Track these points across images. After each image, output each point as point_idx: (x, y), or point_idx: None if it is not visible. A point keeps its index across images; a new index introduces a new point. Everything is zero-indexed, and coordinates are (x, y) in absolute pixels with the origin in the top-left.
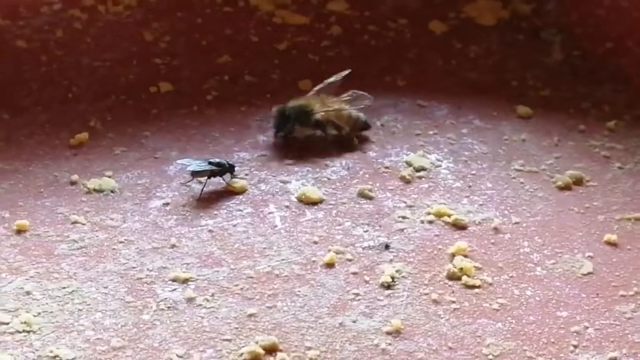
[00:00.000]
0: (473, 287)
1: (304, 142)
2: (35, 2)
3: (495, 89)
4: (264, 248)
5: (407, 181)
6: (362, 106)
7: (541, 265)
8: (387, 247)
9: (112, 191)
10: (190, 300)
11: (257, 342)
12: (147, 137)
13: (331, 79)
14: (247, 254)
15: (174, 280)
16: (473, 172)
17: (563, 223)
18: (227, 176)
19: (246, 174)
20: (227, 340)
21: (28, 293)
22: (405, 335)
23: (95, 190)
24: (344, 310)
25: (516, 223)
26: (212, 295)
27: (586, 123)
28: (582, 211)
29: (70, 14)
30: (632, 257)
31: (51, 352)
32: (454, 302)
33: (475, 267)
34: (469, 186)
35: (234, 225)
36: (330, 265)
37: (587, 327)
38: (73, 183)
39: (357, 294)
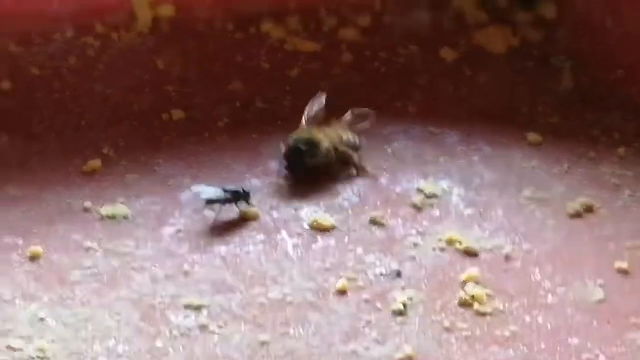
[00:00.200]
0: (485, 314)
1: (315, 169)
2: (49, 29)
3: (505, 116)
4: (277, 275)
5: (418, 208)
6: (366, 127)
7: (552, 292)
8: (399, 274)
9: (125, 218)
10: (203, 327)
11: None
12: (160, 164)
13: (315, 108)
14: (259, 281)
15: (187, 307)
16: (484, 199)
17: (574, 251)
18: (242, 203)
19: (259, 201)
20: None
21: (42, 320)
22: None
23: (108, 217)
24: (357, 338)
25: (527, 250)
26: (225, 322)
27: (596, 150)
28: (593, 239)
29: (83, 42)
30: None
31: None
32: (465, 329)
33: (487, 294)
34: (480, 213)
35: (247, 253)
36: (342, 292)
37: (599, 355)
38: (86, 210)
39: (370, 322)
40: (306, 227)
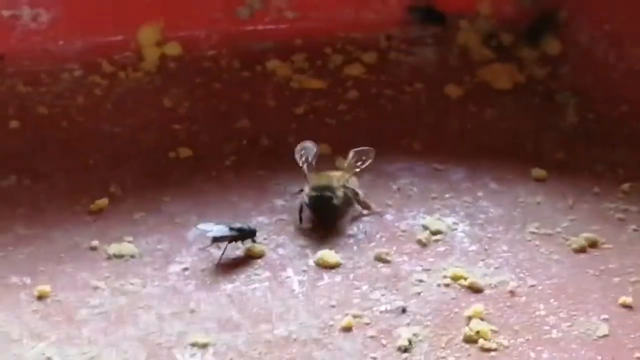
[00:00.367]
0: (489, 350)
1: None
2: (56, 68)
3: (510, 151)
4: (282, 312)
5: (423, 245)
6: (368, 161)
7: (557, 328)
8: (404, 310)
9: (132, 256)
10: None
11: None
12: (167, 203)
13: (311, 153)
14: (265, 318)
15: (193, 345)
16: (489, 235)
17: (578, 285)
18: (247, 241)
19: (264, 238)
20: None
21: (49, 359)
22: None
23: (115, 255)
24: None
25: (532, 286)
26: (231, 359)
27: (601, 186)
28: (597, 274)
29: (90, 80)
30: None
31: None
32: None
33: (491, 330)
34: (485, 249)
35: (253, 290)
36: (347, 329)
37: None
38: (93, 248)
39: (375, 358)
40: (312, 264)
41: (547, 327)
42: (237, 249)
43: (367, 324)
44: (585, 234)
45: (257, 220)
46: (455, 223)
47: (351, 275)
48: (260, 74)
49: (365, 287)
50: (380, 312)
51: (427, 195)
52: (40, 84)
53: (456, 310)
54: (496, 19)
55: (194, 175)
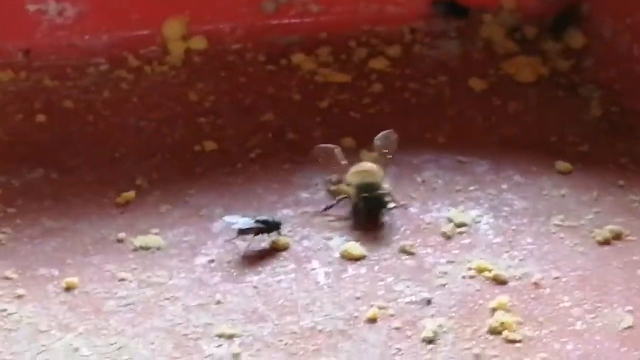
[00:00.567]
0: (514, 341)
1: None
2: (82, 63)
3: (534, 144)
4: (308, 304)
5: (448, 237)
6: (393, 148)
7: (581, 319)
8: (428, 302)
9: (158, 248)
10: (235, 355)
11: None
12: (192, 195)
13: (336, 154)
14: (291, 309)
15: (219, 336)
16: (513, 227)
17: (603, 277)
18: (273, 233)
19: (289, 231)
20: None
21: (77, 349)
22: None
23: (141, 247)
24: None
25: (556, 277)
26: (257, 351)
27: (625, 178)
28: (622, 265)
29: (116, 75)
30: None
31: None
32: (495, 356)
33: (516, 321)
34: (509, 241)
35: (278, 282)
36: (372, 320)
37: None
38: (120, 241)
39: (400, 349)
40: (337, 256)
41: (571, 319)
42: (263, 242)
43: (392, 315)
44: (610, 226)
45: (282, 213)
46: (479, 215)
47: (376, 267)
48: (285, 68)
49: (390, 279)
50: (405, 303)
51: (451, 188)
52: (66, 79)
53: (481, 301)
54: (520, 13)
55: (219, 168)
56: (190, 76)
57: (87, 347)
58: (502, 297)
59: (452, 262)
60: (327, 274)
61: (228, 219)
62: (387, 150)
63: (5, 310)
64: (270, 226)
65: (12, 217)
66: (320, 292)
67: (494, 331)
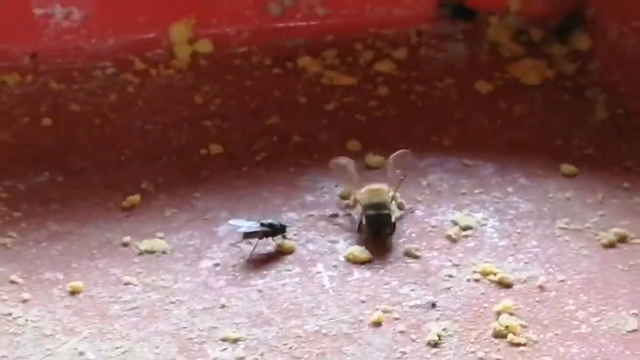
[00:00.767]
0: (519, 345)
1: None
2: (89, 66)
3: (540, 147)
4: (312, 307)
5: (453, 240)
6: (410, 169)
7: (586, 322)
8: (433, 305)
9: (163, 252)
10: (240, 359)
11: None
12: (198, 199)
13: (350, 169)
14: (295, 313)
15: (224, 340)
16: (518, 230)
17: (608, 280)
18: (278, 236)
19: (295, 234)
20: None
21: (82, 353)
22: None
23: (147, 251)
24: None
25: (561, 281)
26: (262, 354)
27: (630, 181)
28: (627, 268)
29: (123, 78)
30: None
31: None
32: None
33: (520, 325)
34: (515, 244)
35: (283, 285)
36: (377, 324)
37: None
38: (125, 244)
39: (404, 353)
40: (342, 259)
41: (576, 322)
42: (268, 245)
43: (397, 318)
44: (615, 229)
45: (287, 216)
46: (484, 218)
47: (381, 271)
48: (291, 71)
49: (395, 283)
50: (410, 307)
51: (456, 191)
52: (72, 82)
53: (486, 305)
54: (526, 15)
55: (225, 172)
56: (197, 79)
57: (92, 351)
58: (507, 301)
59: (457, 265)
60: (332, 277)
61: (233, 222)
62: (399, 171)
63: (10, 314)
64: (276, 230)
65: (18, 220)
66: (325, 295)
67: (499, 334)
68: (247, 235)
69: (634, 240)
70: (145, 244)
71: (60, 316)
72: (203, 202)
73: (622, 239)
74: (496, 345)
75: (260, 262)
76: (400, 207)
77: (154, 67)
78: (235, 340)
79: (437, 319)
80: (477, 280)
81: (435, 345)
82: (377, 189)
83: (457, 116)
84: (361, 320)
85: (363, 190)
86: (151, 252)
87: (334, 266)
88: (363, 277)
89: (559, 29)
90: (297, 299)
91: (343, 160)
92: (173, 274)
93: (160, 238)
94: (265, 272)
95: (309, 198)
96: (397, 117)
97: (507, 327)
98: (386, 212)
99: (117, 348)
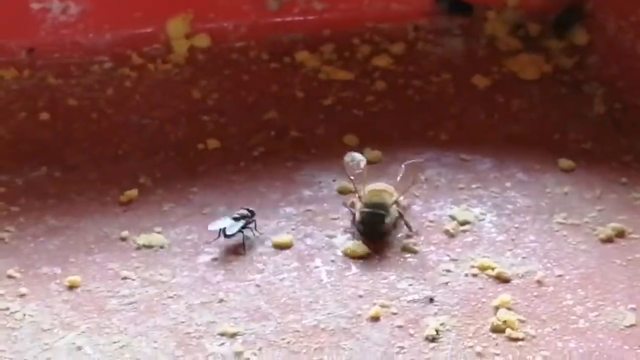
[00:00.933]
0: (517, 339)
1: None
2: (86, 61)
3: (537, 142)
4: (310, 302)
5: (451, 235)
6: (421, 178)
7: (584, 317)
8: (431, 300)
9: (161, 247)
10: (238, 354)
11: None
12: (195, 193)
13: (361, 165)
14: (293, 308)
15: (222, 334)
16: (516, 225)
17: (605, 275)
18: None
19: (292, 229)
20: None
21: (80, 348)
22: None
23: (144, 246)
24: None
25: (559, 276)
26: (260, 349)
27: (628, 175)
28: (625, 263)
29: (120, 73)
30: None
31: None
32: (497, 354)
33: (518, 319)
34: (512, 239)
35: (281, 280)
36: (375, 318)
37: None
38: (123, 239)
39: (402, 347)
40: (339, 254)
41: (574, 317)
42: (266, 238)
43: (395, 313)
44: (613, 224)
45: (285, 211)
46: (482, 213)
47: (379, 265)
48: (288, 66)
49: (392, 277)
50: (408, 301)
51: (454, 186)
52: (70, 77)
53: (484, 300)
54: (523, 9)
55: (223, 167)
56: (194, 74)
57: (90, 346)
58: (504, 295)
59: (455, 260)
60: (329, 272)
61: (212, 227)
62: (411, 181)
63: (8, 308)
64: (249, 218)
65: (16, 215)
66: (323, 290)
67: (497, 329)
68: (229, 235)
69: (631, 235)
70: (143, 239)
71: (57, 311)
72: (200, 196)
73: (620, 234)
74: (494, 340)
75: (258, 257)
76: (407, 226)
77: (151, 62)
78: (233, 335)
79: (435, 313)
80: (475, 275)
81: (433, 340)
82: (381, 189)
83: (455, 111)
84: (359, 315)
85: (368, 188)
86: (149, 246)
87: (332, 261)
88: (361, 271)
89: (557, 24)
90: (295, 294)
91: (359, 156)
92: (171, 268)
93: (158, 232)
94: (263, 267)
95: (307, 193)
96: (394, 111)
97: (505, 321)
98: (381, 212)
99: (115, 342)
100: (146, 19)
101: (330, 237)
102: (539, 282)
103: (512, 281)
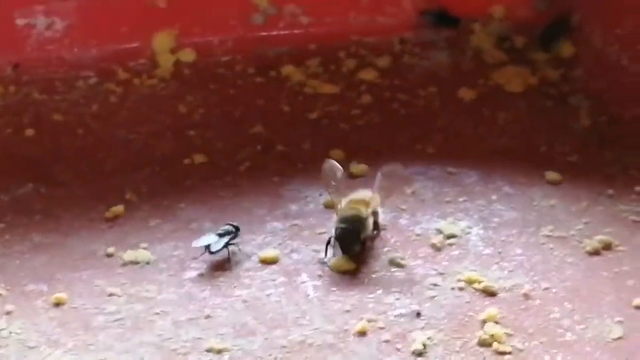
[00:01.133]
0: (504, 353)
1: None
2: (71, 76)
3: (524, 155)
4: (297, 317)
5: (437, 248)
6: (399, 187)
7: (571, 330)
8: (418, 314)
9: (147, 263)
10: None
11: None
12: (182, 209)
13: (338, 174)
14: (280, 323)
15: (208, 350)
16: (503, 238)
17: (592, 288)
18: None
19: (279, 244)
20: None
21: None
22: None
23: (131, 262)
24: None
25: (546, 289)
26: None
27: (615, 188)
28: (612, 276)
29: (105, 88)
30: None
31: None
32: None
33: (506, 333)
34: (499, 252)
35: (267, 295)
36: (362, 333)
37: None
38: (109, 255)
39: None
40: (326, 269)
41: (561, 330)
42: (252, 254)
43: (382, 328)
44: (600, 237)
45: (271, 226)
46: (469, 227)
47: (365, 280)
48: (274, 80)
49: (379, 292)
50: (395, 316)
51: (441, 199)
52: (55, 92)
53: (470, 313)
54: (510, 21)
55: (209, 182)
56: (180, 89)
57: None
58: (491, 309)
59: (442, 273)
60: (316, 287)
61: (196, 244)
62: (386, 186)
63: None
64: (235, 233)
65: (1, 232)
66: (310, 305)
67: (484, 343)
68: (213, 252)
69: (618, 247)
70: (129, 255)
71: (44, 328)
72: (187, 212)
73: (607, 247)
74: (481, 353)
75: (244, 272)
76: (375, 226)
77: (137, 77)
78: (220, 351)
79: (422, 328)
80: (461, 289)
81: (420, 354)
82: (358, 200)
83: (441, 124)
84: (346, 330)
85: (344, 201)
86: (135, 262)
87: (319, 275)
88: (347, 286)
89: (543, 37)
90: (282, 309)
91: (336, 165)
92: (157, 284)
93: (144, 249)
94: (249, 282)
95: (293, 207)
96: (380, 125)
97: (492, 335)
98: (355, 228)
99: None
100: (132, 34)
101: (317, 251)
102: (526, 296)
103: (499, 295)
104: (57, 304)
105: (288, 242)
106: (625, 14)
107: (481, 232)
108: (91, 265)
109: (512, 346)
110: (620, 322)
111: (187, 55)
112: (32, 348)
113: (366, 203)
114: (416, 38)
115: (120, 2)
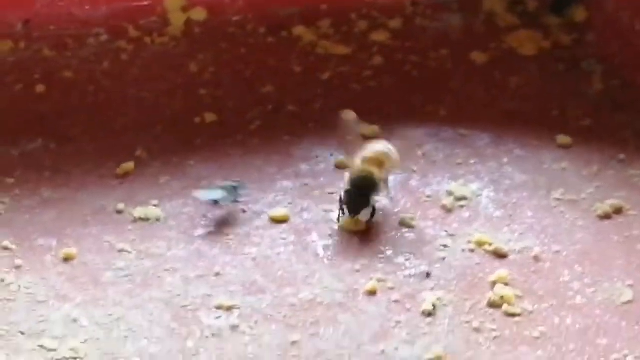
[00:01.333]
0: (513, 315)
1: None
2: (82, 33)
3: (535, 118)
4: (307, 276)
5: (448, 210)
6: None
7: (581, 293)
8: (428, 275)
9: (157, 220)
10: (234, 327)
11: None
12: (192, 167)
13: (350, 135)
14: (290, 282)
15: (218, 307)
16: (514, 201)
17: (603, 252)
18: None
19: (289, 203)
20: None
21: (75, 320)
22: None
23: (141, 218)
24: (386, 338)
25: (556, 252)
26: (256, 322)
27: (626, 152)
28: (622, 240)
29: (116, 46)
30: None
31: None
32: (494, 330)
33: (515, 295)
34: (510, 215)
35: (277, 254)
36: (372, 293)
37: (627, 356)
38: (119, 212)
39: (399, 322)
40: (336, 228)
41: (571, 293)
42: (262, 213)
43: (392, 288)
44: (610, 201)
45: (281, 185)
46: (480, 189)
47: (376, 240)
48: (285, 40)
49: (389, 252)
50: (405, 276)
51: (452, 161)
52: (66, 49)
53: (481, 275)
54: None
55: (219, 140)
56: (191, 47)
57: (86, 318)
58: (502, 271)
59: (452, 235)
60: (326, 246)
61: (198, 194)
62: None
63: (3, 280)
64: (238, 189)
65: (11, 187)
66: (320, 264)
67: (494, 305)
68: (216, 202)
69: (629, 211)
70: (139, 212)
71: (53, 283)
72: (197, 170)
73: (618, 211)
74: (491, 315)
75: (254, 230)
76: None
77: (148, 35)
78: (229, 308)
79: (432, 288)
80: (472, 251)
81: (429, 314)
82: (372, 159)
83: (453, 86)
84: (355, 290)
85: (363, 154)
86: (145, 219)
87: (329, 235)
88: (358, 246)
89: (556, 2)
90: (292, 268)
91: (353, 118)
92: (167, 241)
93: (154, 206)
94: (259, 241)
95: (304, 167)
96: (392, 86)
97: (502, 297)
98: (366, 194)
99: (110, 315)
100: None
101: (327, 211)
102: (536, 258)
103: (509, 257)
104: (67, 259)
105: (298, 201)
106: None
107: (492, 194)
108: (101, 221)
109: (522, 308)
110: (630, 285)
111: (199, 14)
112: (41, 302)
113: (380, 163)
114: (428, 0)
115: None
